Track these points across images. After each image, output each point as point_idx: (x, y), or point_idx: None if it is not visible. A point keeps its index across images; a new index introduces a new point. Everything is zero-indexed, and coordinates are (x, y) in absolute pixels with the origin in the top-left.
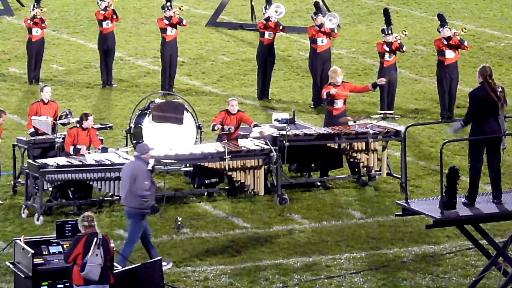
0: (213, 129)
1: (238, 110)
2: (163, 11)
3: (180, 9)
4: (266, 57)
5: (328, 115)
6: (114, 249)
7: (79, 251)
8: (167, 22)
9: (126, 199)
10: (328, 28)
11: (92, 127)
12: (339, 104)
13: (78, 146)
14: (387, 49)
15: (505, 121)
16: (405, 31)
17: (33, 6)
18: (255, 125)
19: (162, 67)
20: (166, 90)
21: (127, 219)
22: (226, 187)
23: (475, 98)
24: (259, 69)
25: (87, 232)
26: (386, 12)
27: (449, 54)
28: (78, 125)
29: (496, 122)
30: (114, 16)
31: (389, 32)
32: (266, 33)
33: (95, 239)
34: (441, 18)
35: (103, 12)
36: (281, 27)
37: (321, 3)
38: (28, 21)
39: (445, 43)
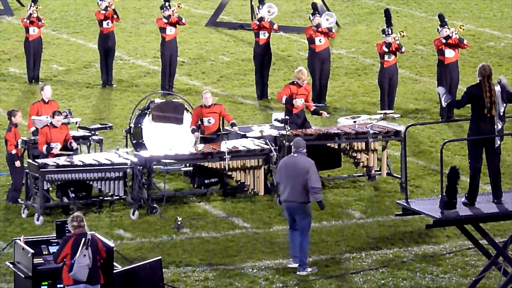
0: (192, 133)
1: (215, 104)
2: (162, 11)
3: (178, 6)
4: (262, 57)
5: (286, 113)
6: (114, 248)
7: (67, 251)
8: (166, 21)
9: (295, 194)
10: (326, 28)
11: (63, 123)
12: (298, 102)
13: (52, 145)
14: (386, 50)
15: (502, 121)
16: (403, 32)
17: (30, 5)
18: (232, 124)
19: (162, 66)
20: (166, 90)
21: (291, 215)
22: (222, 188)
23: (468, 94)
24: (257, 69)
25: (76, 232)
26: (387, 13)
27: (449, 54)
28: (48, 124)
29: (492, 122)
30: (115, 16)
31: (389, 32)
32: (261, 33)
33: (84, 239)
34: (441, 18)
35: (103, 12)
36: (275, 26)
37: (319, 3)
38: (25, 20)
39: (444, 41)
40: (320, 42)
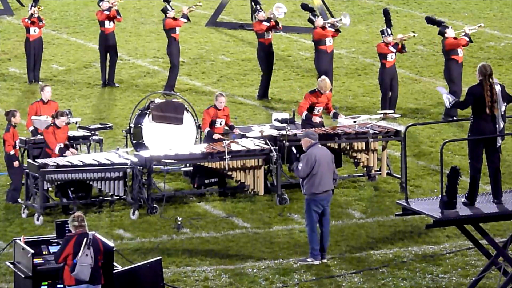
0: (210, 136)
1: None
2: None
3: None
4: (269, 56)
5: (306, 121)
6: (114, 248)
7: (69, 251)
8: (108, 13)
9: (331, 183)
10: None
11: (66, 123)
12: (318, 111)
13: (62, 145)
14: (394, 49)
15: (504, 121)
16: (414, 32)
17: (31, 5)
18: (231, 127)
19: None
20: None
21: (327, 206)
22: (222, 188)
23: (471, 94)
24: (265, 70)
25: (78, 232)
26: (386, 13)
27: (461, 53)
28: (52, 124)
29: (493, 122)
30: (118, 16)
31: (389, 33)
32: (265, 33)
33: (85, 239)
34: (430, 20)
35: (107, 12)
36: (280, 26)
37: (320, 3)
38: (26, 20)
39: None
40: (330, 42)
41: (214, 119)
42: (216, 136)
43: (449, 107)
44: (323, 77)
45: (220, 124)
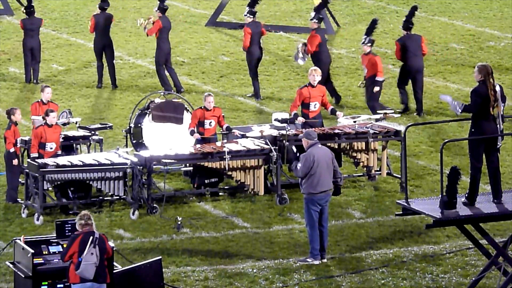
0: (191, 135)
1: (215, 107)
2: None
3: None
4: None
5: (303, 117)
6: (114, 248)
7: (74, 249)
8: None
9: (330, 183)
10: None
11: (57, 123)
12: (314, 107)
13: (47, 145)
14: None
15: (503, 121)
16: None
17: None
18: (228, 128)
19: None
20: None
21: (325, 205)
22: (221, 188)
23: (478, 95)
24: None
25: (84, 231)
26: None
27: None
28: (43, 124)
29: (494, 122)
30: None
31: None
32: None
33: (91, 238)
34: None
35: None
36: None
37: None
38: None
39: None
40: None
41: (202, 120)
42: (195, 136)
43: (460, 113)
44: (314, 67)
45: (210, 125)
